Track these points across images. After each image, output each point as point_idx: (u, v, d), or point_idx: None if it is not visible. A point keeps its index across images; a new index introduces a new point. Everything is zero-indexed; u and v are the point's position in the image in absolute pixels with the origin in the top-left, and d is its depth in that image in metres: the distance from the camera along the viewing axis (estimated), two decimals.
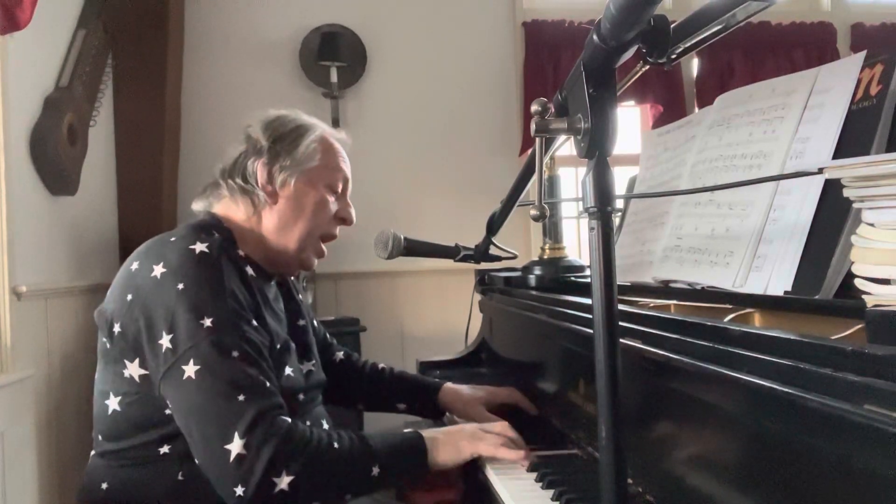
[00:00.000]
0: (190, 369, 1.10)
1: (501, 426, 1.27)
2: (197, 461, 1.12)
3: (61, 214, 2.57)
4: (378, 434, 1.21)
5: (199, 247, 1.18)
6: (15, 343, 2.18)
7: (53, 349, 2.46)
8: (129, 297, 1.17)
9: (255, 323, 1.19)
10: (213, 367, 1.10)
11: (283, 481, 1.06)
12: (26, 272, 2.26)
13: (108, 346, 1.20)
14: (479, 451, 1.21)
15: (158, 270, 1.16)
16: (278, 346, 1.25)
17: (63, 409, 2.47)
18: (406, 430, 1.24)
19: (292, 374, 1.28)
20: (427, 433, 1.23)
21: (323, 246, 1.39)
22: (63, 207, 2.58)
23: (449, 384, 1.57)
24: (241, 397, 1.08)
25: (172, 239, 1.21)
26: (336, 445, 1.14)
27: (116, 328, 1.18)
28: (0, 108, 2.15)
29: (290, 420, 1.12)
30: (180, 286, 1.14)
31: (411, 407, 1.60)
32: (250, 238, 1.32)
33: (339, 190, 1.38)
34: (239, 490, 1.05)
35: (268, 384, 1.13)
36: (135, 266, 1.20)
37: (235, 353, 1.12)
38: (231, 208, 1.33)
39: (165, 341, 1.12)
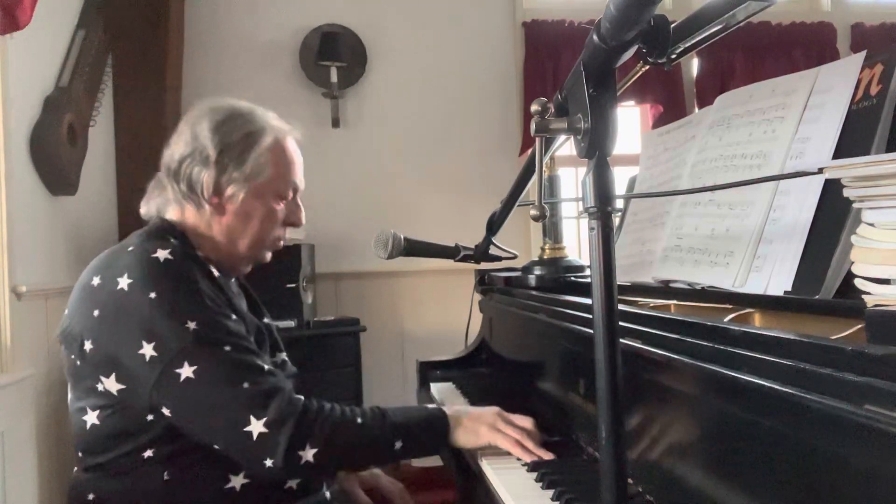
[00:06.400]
0: (186, 371, 1.11)
1: (524, 420, 1.26)
2: (220, 449, 1.14)
3: (61, 214, 2.57)
4: (402, 408, 1.25)
5: (162, 254, 1.17)
6: (15, 343, 2.18)
7: (53, 349, 2.46)
8: (96, 312, 1.16)
9: (234, 316, 1.20)
10: (209, 363, 1.12)
11: (309, 453, 1.12)
12: (26, 272, 2.26)
13: (78, 363, 1.19)
14: (497, 441, 1.23)
15: (124, 282, 1.14)
16: (252, 338, 1.26)
17: (63, 409, 2.45)
18: (430, 406, 1.28)
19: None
20: (451, 411, 1.26)
21: (279, 243, 1.37)
22: (63, 207, 2.58)
23: None
24: (245, 384, 1.12)
25: (130, 248, 1.20)
26: (359, 420, 1.17)
27: (88, 345, 1.16)
28: (0, 108, 2.15)
29: (303, 397, 1.16)
30: (152, 295, 1.13)
31: None
32: (205, 240, 1.29)
33: (290, 197, 1.34)
34: (268, 462, 1.11)
35: (266, 366, 1.17)
36: (96, 281, 1.18)
37: (227, 347, 1.14)
38: (181, 212, 1.30)
39: (148, 350, 1.11)
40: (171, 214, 1.31)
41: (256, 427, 1.10)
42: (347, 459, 1.19)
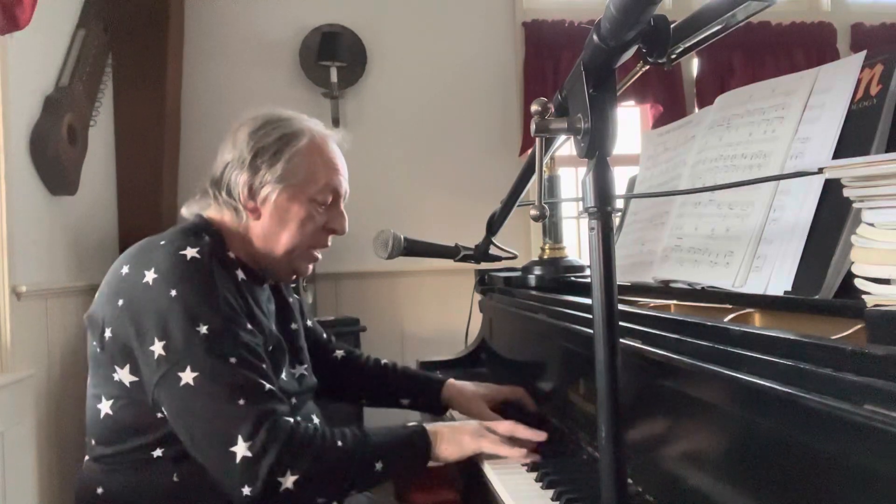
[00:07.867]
0: (187, 376, 1.10)
1: (506, 426, 1.26)
2: (201, 461, 1.12)
3: (61, 214, 2.57)
4: (382, 429, 1.22)
5: (190, 252, 1.17)
6: (15, 343, 2.18)
7: (53, 349, 2.46)
8: (121, 302, 1.16)
9: (249, 326, 1.19)
10: (211, 373, 1.10)
11: (289, 480, 1.09)
12: (26, 272, 2.26)
13: (98, 350, 1.19)
14: (482, 447, 1.22)
15: (150, 276, 1.15)
16: (271, 348, 1.25)
17: (63, 409, 2.47)
18: (410, 424, 1.25)
19: (285, 378, 1.29)
20: (431, 427, 1.24)
21: (316, 253, 1.35)
22: (63, 207, 2.58)
23: (452, 380, 1.56)
24: (241, 401, 1.10)
25: (162, 243, 1.20)
26: (340, 444, 1.15)
27: (108, 333, 1.17)
28: (0, 108, 2.15)
29: (292, 421, 1.13)
30: (173, 293, 1.13)
31: (415, 402, 1.59)
32: (240, 241, 1.29)
33: (329, 201, 1.31)
34: (246, 490, 1.08)
35: (267, 386, 1.14)
36: (125, 270, 1.19)
37: (233, 360, 1.12)
38: (220, 212, 1.30)
39: (158, 348, 1.11)
40: (210, 213, 1.31)
41: (241, 450, 1.07)
42: (327, 485, 1.14)
